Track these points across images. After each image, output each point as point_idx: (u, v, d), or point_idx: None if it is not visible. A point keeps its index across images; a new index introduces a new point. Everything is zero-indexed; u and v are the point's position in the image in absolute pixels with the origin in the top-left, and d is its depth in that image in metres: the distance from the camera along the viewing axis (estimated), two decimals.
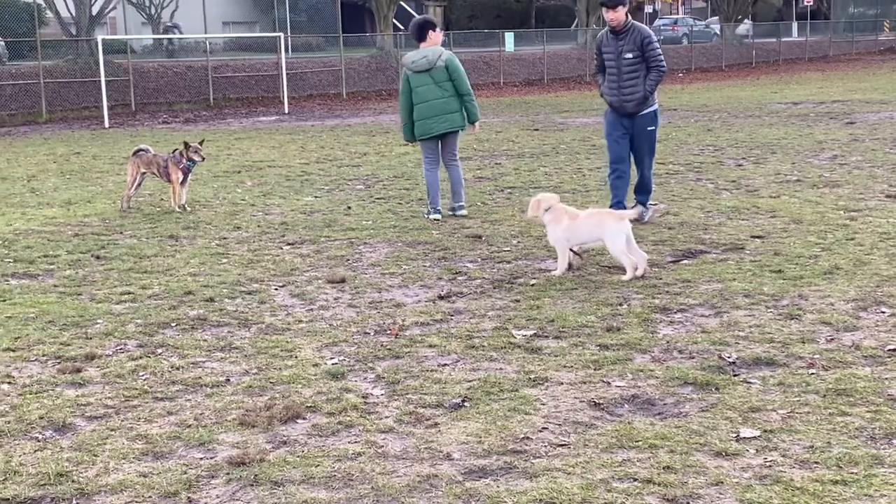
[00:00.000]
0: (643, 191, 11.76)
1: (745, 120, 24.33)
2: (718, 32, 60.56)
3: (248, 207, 13.43)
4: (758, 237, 10.43)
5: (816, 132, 20.72)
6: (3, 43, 34.77)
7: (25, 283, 9.34)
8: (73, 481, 5.07)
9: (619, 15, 11.05)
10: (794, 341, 6.97)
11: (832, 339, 7.03)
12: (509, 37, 47.79)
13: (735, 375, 6.38)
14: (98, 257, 10.40)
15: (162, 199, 14.07)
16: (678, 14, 77.94)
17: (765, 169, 15.56)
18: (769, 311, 7.75)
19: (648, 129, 11.48)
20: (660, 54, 11.16)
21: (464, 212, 12.37)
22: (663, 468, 5.01)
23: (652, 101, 11.39)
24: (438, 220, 12.06)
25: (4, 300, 8.65)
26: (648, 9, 77.33)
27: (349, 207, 13.22)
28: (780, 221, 11.20)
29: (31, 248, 10.87)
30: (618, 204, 11.27)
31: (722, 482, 4.83)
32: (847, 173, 14.73)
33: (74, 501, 4.87)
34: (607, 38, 11.34)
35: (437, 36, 12.26)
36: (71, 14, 35.17)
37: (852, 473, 4.87)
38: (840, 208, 11.83)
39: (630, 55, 11.16)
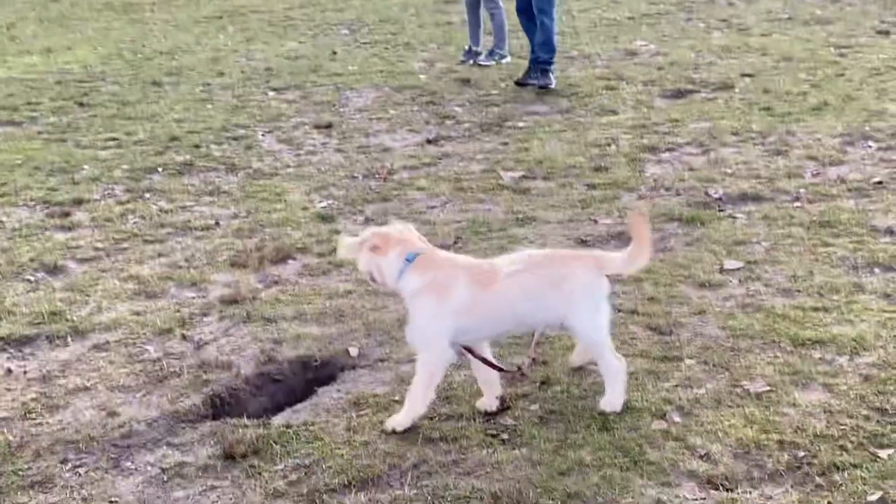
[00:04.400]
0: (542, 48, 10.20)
1: None
2: None
3: (231, 53, 13.19)
4: (748, 75, 10.34)
5: None
6: None
7: (10, 131, 9.25)
8: (66, 320, 5.15)
9: None
10: (781, 176, 7.00)
11: (818, 173, 7.06)
12: None
13: (721, 211, 6.42)
14: (81, 104, 10.27)
15: (144, 45, 13.82)
16: None
17: (756, 7, 15.26)
18: (757, 147, 7.76)
19: None
20: None
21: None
22: (647, 299, 5.10)
23: None
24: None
25: None
26: None
27: (334, 52, 13.00)
28: (770, 59, 11.08)
29: (13, 95, 10.72)
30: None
31: (705, 311, 4.93)
32: (839, 10, 14.47)
33: (69, 338, 4.96)
34: None
35: None
36: None
37: (833, 300, 4.97)
38: (830, 45, 11.68)
39: None
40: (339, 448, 3.90)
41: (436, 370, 4.01)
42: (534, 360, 4.45)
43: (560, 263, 4.09)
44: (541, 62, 10.15)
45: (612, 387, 4.04)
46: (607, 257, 4.20)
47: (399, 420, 4.02)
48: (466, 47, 12.16)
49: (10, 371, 4.64)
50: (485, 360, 4.13)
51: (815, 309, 4.88)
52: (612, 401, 4.02)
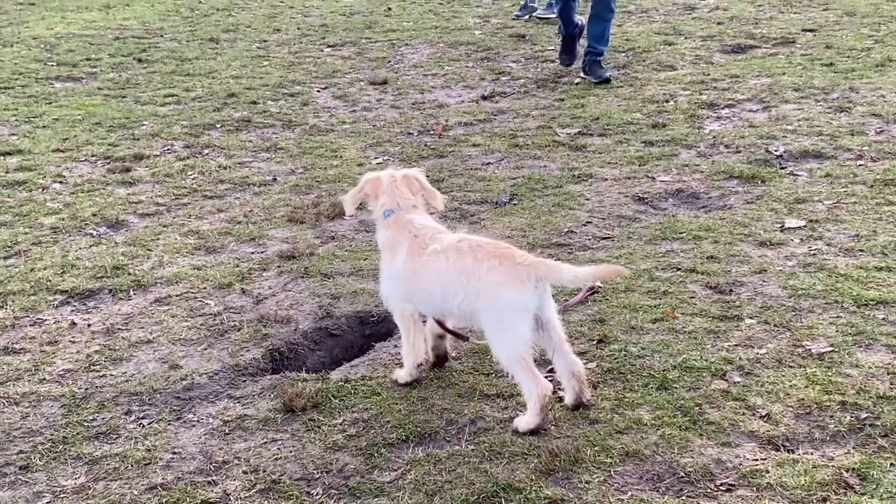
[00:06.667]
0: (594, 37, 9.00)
1: None
2: None
3: (287, 10, 13.22)
4: (810, 30, 10.12)
5: None
6: None
7: (70, 86, 9.36)
8: (129, 274, 5.22)
9: None
10: (843, 134, 6.86)
11: (882, 130, 6.90)
12: None
13: (782, 168, 6.32)
14: (140, 60, 10.36)
15: (200, 2, 13.87)
16: None
17: None
18: (818, 104, 7.60)
19: None
20: None
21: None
22: (707, 258, 5.04)
23: None
24: None
25: (50, 102, 8.70)
26: None
27: (389, 8, 12.96)
28: (832, 14, 10.84)
29: (73, 51, 10.83)
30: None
31: (766, 270, 4.86)
32: None
33: (132, 292, 5.03)
34: None
35: None
36: None
37: None
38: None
39: None
40: (396, 403, 3.93)
41: (407, 323, 4.05)
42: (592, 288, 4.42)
43: (479, 257, 3.66)
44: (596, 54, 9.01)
45: (528, 406, 3.67)
46: (551, 266, 3.66)
47: (401, 374, 4.10)
48: (522, 2, 12.05)
49: (74, 324, 4.72)
50: (447, 329, 4.11)
51: (879, 269, 4.79)
52: (524, 421, 3.67)
